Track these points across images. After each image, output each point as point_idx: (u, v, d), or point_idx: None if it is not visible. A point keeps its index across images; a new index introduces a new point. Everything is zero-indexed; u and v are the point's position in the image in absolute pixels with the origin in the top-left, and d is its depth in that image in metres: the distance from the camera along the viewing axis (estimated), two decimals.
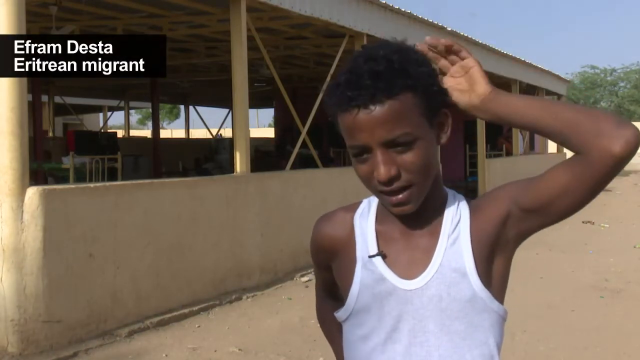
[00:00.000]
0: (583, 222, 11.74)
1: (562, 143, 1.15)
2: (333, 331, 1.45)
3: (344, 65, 1.18)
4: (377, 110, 1.11)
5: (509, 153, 17.13)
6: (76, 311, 5.01)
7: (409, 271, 1.21)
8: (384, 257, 1.23)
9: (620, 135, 1.07)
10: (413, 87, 1.13)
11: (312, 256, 1.40)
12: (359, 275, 1.24)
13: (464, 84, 1.20)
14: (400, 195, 1.16)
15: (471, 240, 1.21)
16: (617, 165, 1.09)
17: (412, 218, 1.23)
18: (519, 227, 1.21)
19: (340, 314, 1.30)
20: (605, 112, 1.12)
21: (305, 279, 7.18)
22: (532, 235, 1.24)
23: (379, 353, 1.23)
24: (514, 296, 5.73)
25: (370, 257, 1.23)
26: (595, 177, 1.11)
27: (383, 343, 1.22)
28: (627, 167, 31.23)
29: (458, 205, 1.25)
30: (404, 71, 1.13)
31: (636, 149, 1.09)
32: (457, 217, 1.23)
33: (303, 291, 6.74)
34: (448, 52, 1.21)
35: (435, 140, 1.20)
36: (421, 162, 1.15)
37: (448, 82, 1.21)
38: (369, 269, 1.23)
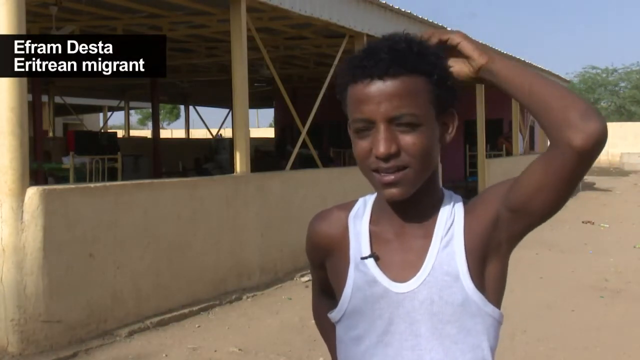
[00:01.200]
0: (583, 222, 11.74)
1: (540, 125, 1.13)
2: (328, 330, 1.44)
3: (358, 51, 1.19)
4: (389, 83, 1.11)
5: (509, 153, 17.13)
6: (76, 311, 5.01)
7: (401, 274, 1.20)
8: (376, 258, 1.21)
9: (583, 128, 1.03)
10: (428, 73, 1.14)
11: (307, 254, 1.39)
12: (352, 276, 1.23)
13: (458, 59, 1.20)
14: (393, 176, 1.14)
15: (464, 243, 1.19)
16: (580, 160, 1.05)
17: (407, 218, 1.22)
18: (509, 229, 1.18)
19: (333, 315, 1.29)
20: (576, 100, 1.07)
21: (305, 279, 7.18)
22: (524, 237, 1.21)
23: (371, 356, 1.22)
24: (514, 296, 5.76)
25: (363, 258, 1.22)
26: (562, 171, 1.08)
27: (375, 346, 1.21)
28: (627, 167, 31.19)
29: (453, 206, 1.23)
30: (422, 56, 1.14)
31: (601, 145, 1.05)
32: (450, 218, 1.21)
33: (303, 291, 6.73)
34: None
35: (439, 136, 1.19)
36: (422, 147, 1.14)
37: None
38: (361, 270, 1.22)
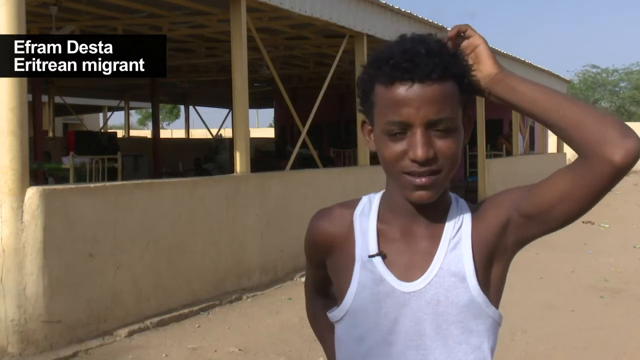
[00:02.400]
0: (583, 222, 11.73)
1: (564, 140, 1.14)
2: (324, 331, 1.44)
3: (387, 46, 1.16)
4: (430, 87, 1.11)
5: (509, 153, 17.13)
6: (76, 311, 5.01)
7: (408, 273, 1.20)
8: (383, 257, 1.21)
9: (623, 145, 1.05)
10: (460, 78, 1.14)
11: (306, 252, 1.37)
12: (358, 274, 1.22)
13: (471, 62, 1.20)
14: (426, 179, 1.13)
15: (472, 246, 1.20)
16: (616, 175, 1.07)
17: (417, 219, 1.22)
18: (518, 234, 1.19)
19: (334, 314, 1.28)
20: (611, 118, 1.09)
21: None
22: (531, 242, 1.22)
23: (374, 355, 1.21)
24: (514, 296, 5.77)
25: (370, 257, 1.21)
26: (594, 184, 1.09)
27: (378, 345, 1.21)
28: None
29: (461, 209, 1.24)
30: (455, 59, 1.14)
31: (636, 161, 1.07)
32: (459, 221, 1.22)
33: (303, 291, 6.73)
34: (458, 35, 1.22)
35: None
36: (455, 151, 1.15)
37: None
38: (368, 269, 1.21)
